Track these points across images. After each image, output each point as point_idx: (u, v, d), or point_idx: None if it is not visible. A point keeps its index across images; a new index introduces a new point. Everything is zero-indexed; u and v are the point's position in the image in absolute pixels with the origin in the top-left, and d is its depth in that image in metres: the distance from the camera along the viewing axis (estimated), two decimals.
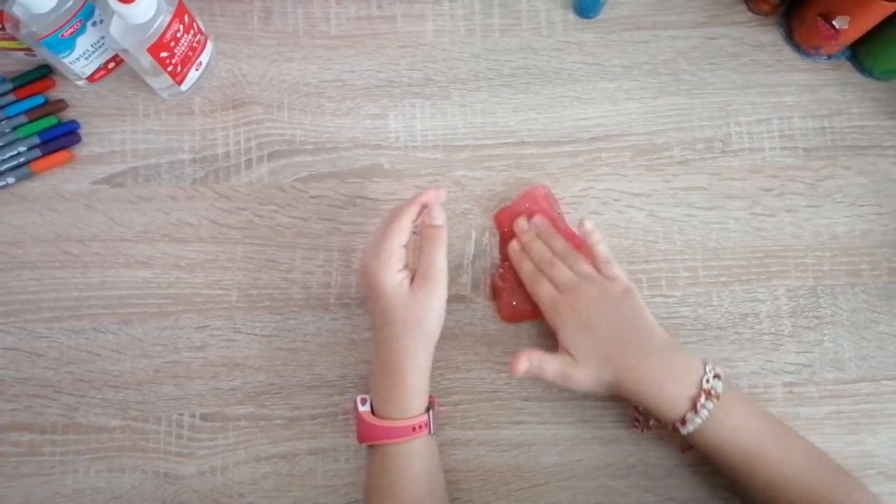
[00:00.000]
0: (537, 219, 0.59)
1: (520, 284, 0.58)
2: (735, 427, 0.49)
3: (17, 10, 0.53)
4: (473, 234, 0.61)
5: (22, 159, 0.60)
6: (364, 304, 0.60)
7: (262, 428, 0.58)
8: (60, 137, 0.61)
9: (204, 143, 0.62)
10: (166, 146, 0.62)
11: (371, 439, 0.51)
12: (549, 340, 0.56)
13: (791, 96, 0.65)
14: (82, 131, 0.62)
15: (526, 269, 0.57)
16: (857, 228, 0.62)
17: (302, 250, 0.61)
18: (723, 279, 0.61)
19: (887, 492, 0.57)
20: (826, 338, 0.60)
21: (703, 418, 0.49)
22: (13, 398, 0.58)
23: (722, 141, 0.64)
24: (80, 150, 0.62)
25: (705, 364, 0.51)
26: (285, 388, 0.58)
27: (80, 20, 0.55)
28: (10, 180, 0.60)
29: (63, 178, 0.61)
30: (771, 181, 0.63)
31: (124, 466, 0.57)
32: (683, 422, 0.49)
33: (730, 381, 0.51)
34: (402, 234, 0.52)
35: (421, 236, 0.54)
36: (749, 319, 0.60)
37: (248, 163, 0.62)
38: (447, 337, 0.59)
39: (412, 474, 0.51)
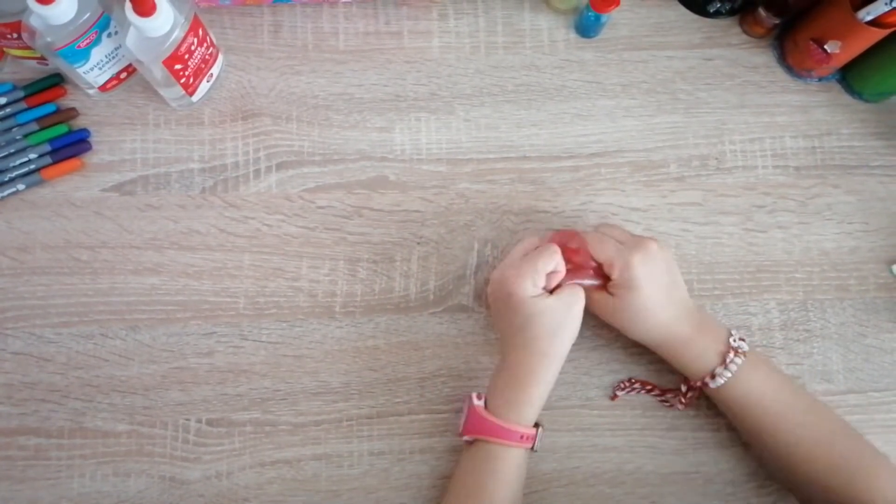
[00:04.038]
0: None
1: None
2: (760, 385, 0.53)
3: (34, 21, 0.54)
4: (476, 246, 0.63)
5: (32, 166, 0.61)
6: (370, 313, 0.61)
7: (267, 433, 0.59)
8: (71, 145, 0.62)
9: (213, 153, 0.63)
10: (176, 155, 0.63)
11: (478, 433, 0.53)
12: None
13: (783, 116, 0.67)
14: (93, 139, 0.63)
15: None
16: (846, 245, 0.64)
17: (308, 259, 0.62)
18: (716, 292, 0.63)
19: None
20: (815, 350, 0.62)
21: (732, 372, 0.52)
22: (21, 402, 0.58)
23: (717, 158, 0.66)
24: (91, 158, 0.63)
25: (729, 329, 0.55)
26: (290, 394, 0.59)
27: (96, 31, 0.56)
28: (21, 187, 0.61)
29: (73, 186, 0.62)
30: (763, 198, 0.65)
31: (130, 471, 0.57)
32: (713, 376, 0.53)
33: (754, 348, 0.54)
34: (551, 261, 0.53)
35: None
36: (741, 332, 0.62)
37: (257, 173, 0.63)
38: (449, 345, 0.61)
39: (504, 479, 0.52)
